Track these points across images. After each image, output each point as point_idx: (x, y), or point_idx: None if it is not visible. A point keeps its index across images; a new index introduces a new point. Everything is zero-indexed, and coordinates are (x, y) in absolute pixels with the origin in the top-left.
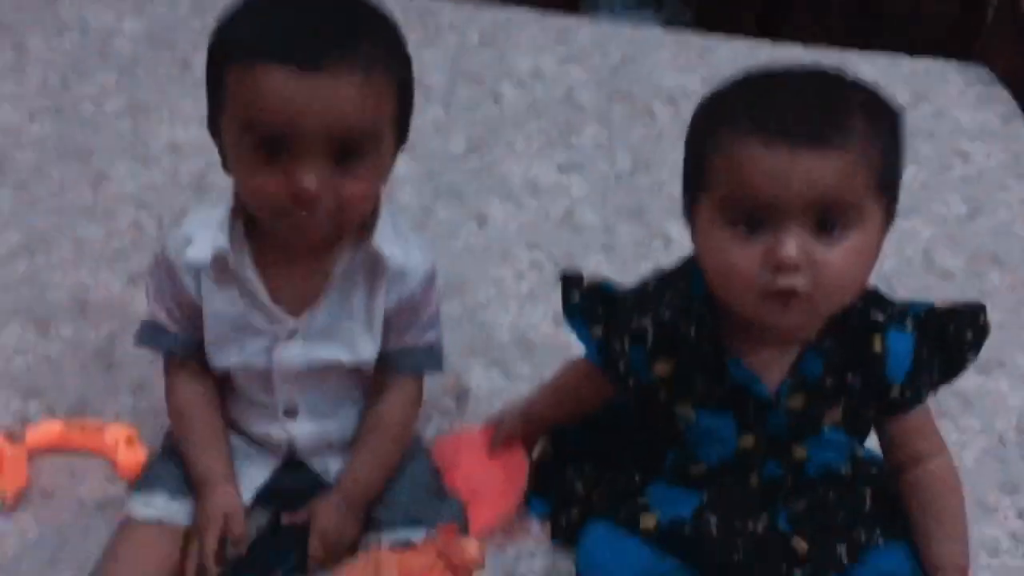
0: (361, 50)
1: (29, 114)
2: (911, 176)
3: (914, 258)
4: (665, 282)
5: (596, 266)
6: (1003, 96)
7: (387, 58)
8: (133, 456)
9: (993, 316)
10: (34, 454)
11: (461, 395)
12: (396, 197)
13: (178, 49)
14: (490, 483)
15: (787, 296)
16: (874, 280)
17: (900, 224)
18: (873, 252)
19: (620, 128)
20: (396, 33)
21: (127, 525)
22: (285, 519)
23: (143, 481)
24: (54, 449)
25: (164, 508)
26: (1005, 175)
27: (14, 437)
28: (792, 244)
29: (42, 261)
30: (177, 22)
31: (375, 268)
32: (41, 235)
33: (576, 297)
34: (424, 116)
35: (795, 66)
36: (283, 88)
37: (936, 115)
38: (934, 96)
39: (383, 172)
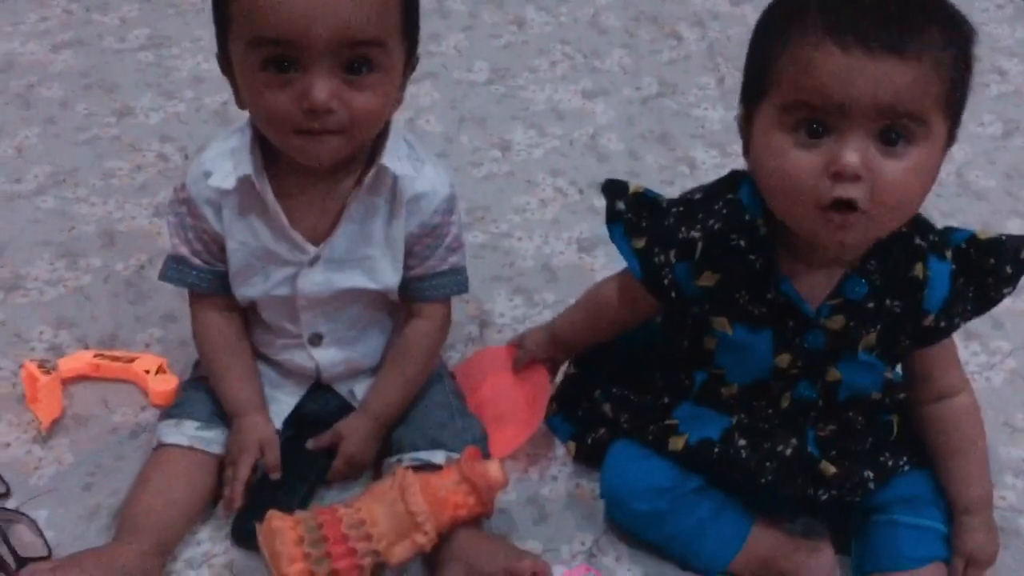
0: None
1: (52, 47)
2: None
3: (947, 179)
4: (712, 194)
5: None
6: None
7: None
8: (164, 384)
9: None
10: (67, 383)
11: (485, 322)
12: (419, 125)
13: None
14: (513, 405)
15: (844, 209)
16: None
17: None
18: (933, 171)
19: (646, 52)
20: None
21: (158, 451)
22: (311, 444)
23: (173, 409)
24: (87, 378)
25: (194, 435)
26: None
27: (47, 367)
28: (854, 152)
29: (70, 194)
30: None
31: (393, 194)
32: (69, 169)
33: (621, 205)
34: (447, 43)
35: None
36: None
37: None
38: (970, 11)
39: (393, 88)
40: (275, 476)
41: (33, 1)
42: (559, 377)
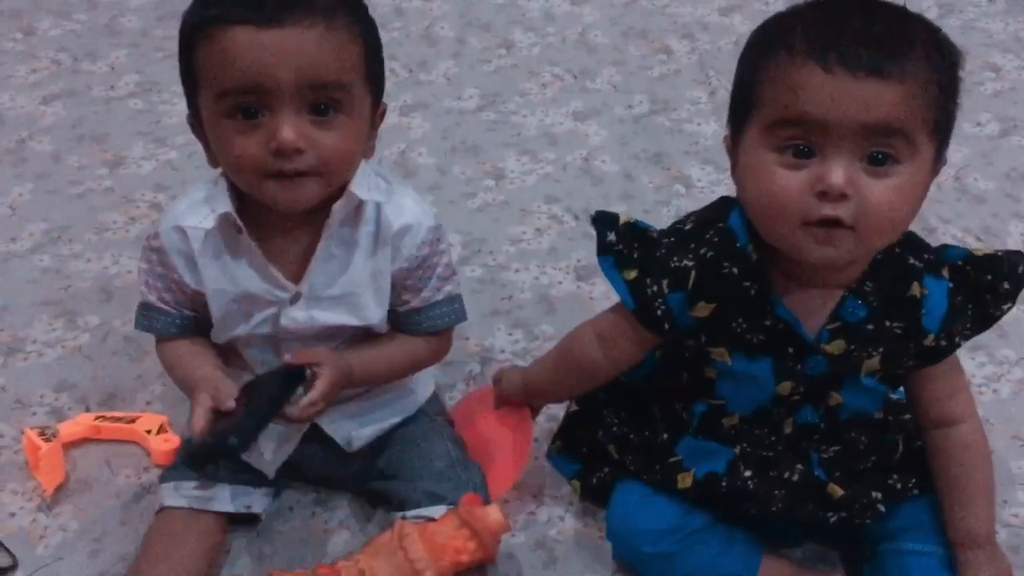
0: (319, 3)
1: (42, 99)
2: None
3: (945, 184)
4: (703, 222)
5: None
6: None
7: (347, 9)
8: (166, 444)
9: None
10: (69, 447)
11: (486, 359)
12: (412, 158)
13: None
14: (500, 447)
15: (830, 227)
16: None
17: None
18: (921, 191)
19: (636, 68)
20: (363, 7)
21: (160, 514)
22: (288, 357)
23: (171, 471)
24: (89, 440)
25: (192, 495)
26: None
27: (47, 433)
28: (841, 171)
29: (66, 251)
30: None
31: (377, 226)
32: (63, 225)
33: (612, 236)
34: (436, 71)
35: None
36: (249, 45)
37: (965, 28)
38: (962, 7)
39: (361, 132)
40: (228, 406)
41: (22, 53)
42: (562, 412)
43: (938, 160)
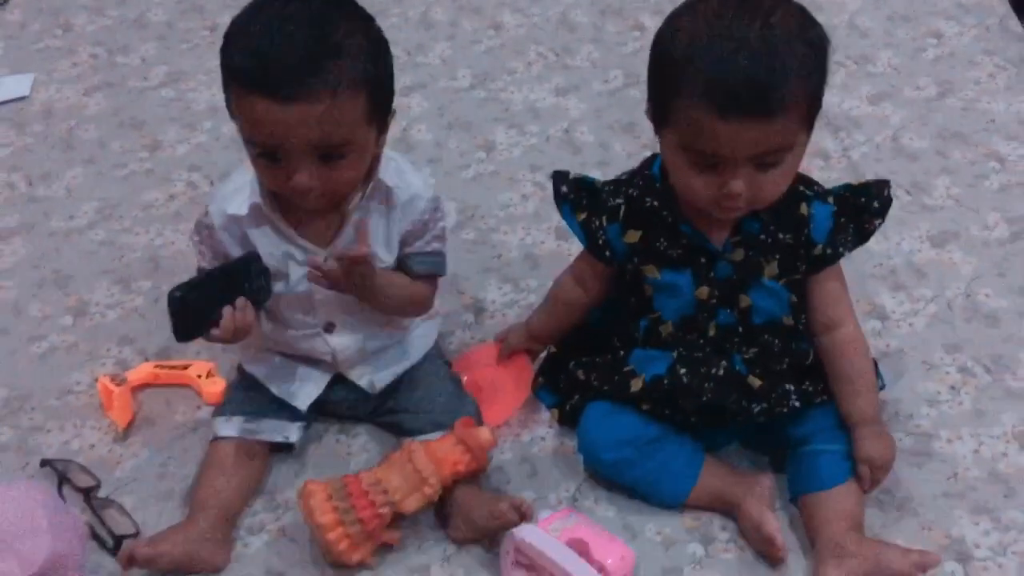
0: (329, 74)
1: (85, 90)
2: (885, 62)
3: (884, 143)
4: (633, 173)
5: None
6: None
7: (355, 71)
8: (214, 386)
9: (952, 191)
10: (136, 391)
11: (479, 309)
12: (412, 135)
13: (206, 13)
14: (502, 386)
15: (733, 206)
16: (845, 170)
17: (873, 111)
18: (798, 162)
19: (612, 45)
20: (368, 36)
21: (215, 443)
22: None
23: (224, 407)
24: (151, 385)
25: (243, 427)
26: (975, 51)
27: (118, 379)
28: (739, 182)
29: (117, 226)
30: None
31: (388, 198)
32: (113, 203)
33: (564, 188)
34: (432, 53)
35: (742, 8)
36: (267, 115)
37: None
38: None
39: (366, 158)
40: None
41: (62, 49)
42: (542, 356)
43: (812, 126)
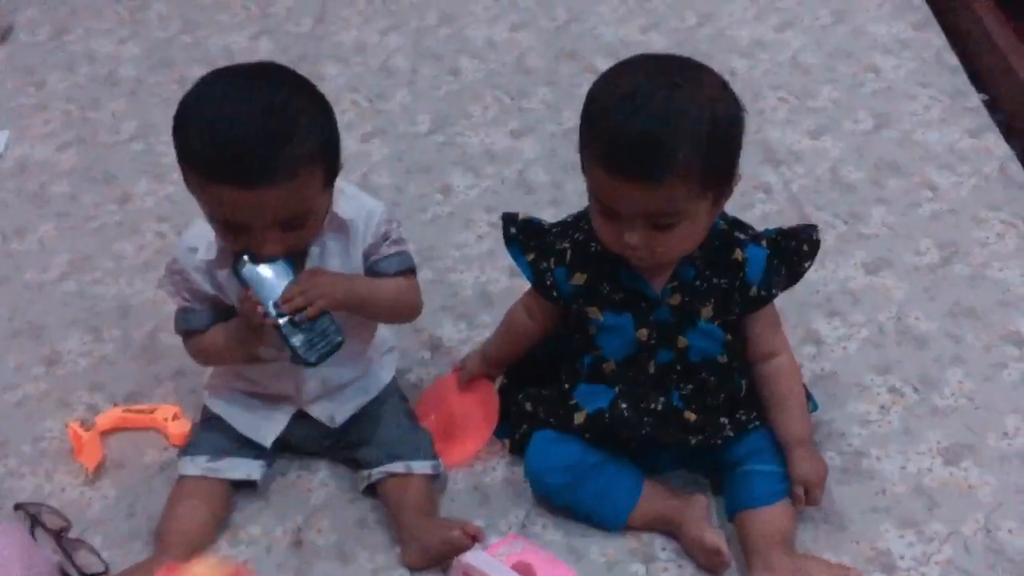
0: (287, 159)
1: (58, 147)
2: (826, 96)
3: (823, 175)
4: (579, 216)
5: (548, 219)
6: (918, 3)
7: (311, 147)
8: (180, 428)
9: (887, 220)
10: (104, 435)
11: (435, 346)
12: (372, 179)
13: (175, 67)
14: (471, 417)
15: (634, 255)
16: (786, 202)
17: (813, 144)
18: (702, 229)
19: (567, 87)
20: (317, 107)
21: (180, 481)
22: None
23: (188, 448)
24: (119, 429)
25: (206, 466)
26: (912, 85)
27: (87, 424)
28: (633, 236)
29: (88, 277)
30: (170, 40)
31: (342, 229)
32: (84, 256)
33: (513, 230)
34: (393, 100)
35: (650, 72)
36: (228, 201)
37: (854, 33)
38: (853, 14)
39: (323, 216)
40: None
41: (35, 106)
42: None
43: (722, 195)
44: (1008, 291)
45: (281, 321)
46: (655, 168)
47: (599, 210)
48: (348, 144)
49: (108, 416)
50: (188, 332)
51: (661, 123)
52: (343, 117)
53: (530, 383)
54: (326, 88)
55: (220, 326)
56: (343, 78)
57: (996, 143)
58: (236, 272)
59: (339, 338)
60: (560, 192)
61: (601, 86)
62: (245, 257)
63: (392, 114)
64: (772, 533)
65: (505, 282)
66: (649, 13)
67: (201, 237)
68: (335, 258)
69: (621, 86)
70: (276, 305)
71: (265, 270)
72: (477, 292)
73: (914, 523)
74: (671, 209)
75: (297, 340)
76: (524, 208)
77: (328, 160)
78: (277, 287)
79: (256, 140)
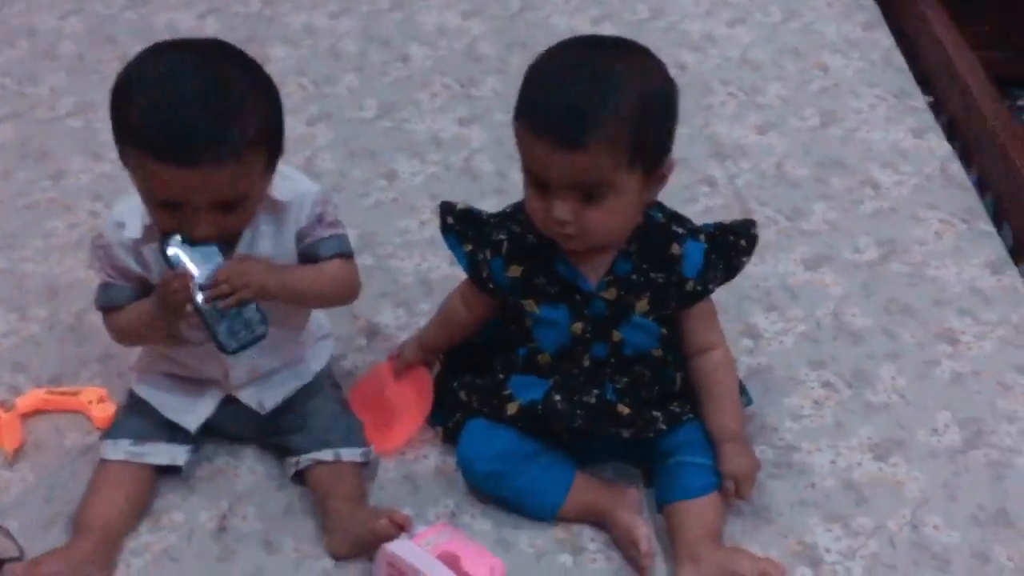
0: (233, 137)
1: None
2: (773, 94)
3: (768, 171)
4: (517, 207)
5: (491, 208)
6: (868, 3)
7: (255, 129)
8: (104, 411)
9: (828, 216)
10: (26, 417)
11: (372, 333)
12: (316, 163)
13: (118, 44)
14: (406, 403)
15: (566, 232)
16: (729, 197)
17: (759, 140)
18: (631, 207)
19: (516, 76)
20: (263, 88)
21: (101, 465)
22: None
23: (111, 430)
24: (41, 411)
25: (129, 450)
26: (859, 84)
27: (7, 405)
28: (562, 208)
29: (16, 255)
30: (114, 17)
31: (275, 209)
32: (13, 233)
33: (451, 220)
34: (340, 85)
35: (587, 46)
36: (168, 178)
37: (804, 31)
38: (804, 13)
39: (261, 198)
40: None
41: None
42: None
43: (651, 175)
44: (944, 290)
45: (204, 307)
46: (581, 131)
47: (530, 182)
48: (292, 127)
49: (30, 398)
50: (107, 308)
51: (590, 88)
52: (288, 100)
53: (468, 370)
54: (272, 70)
55: (137, 304)
56: (291, 60)
57: (938, 143)
58: (162, 252)
59: (263, 328)
60: (505, 181)
61: (540, 59)
62: (177, 237)
63: (339, 98)
64: (700, 525)
65: (446, 270)
66: (602, 4)
67: (130, 213)
68: (267, 241)
69: (557, 57)
70: (202, 289)
71: (193, 252)
72: (418, 279)
73: (841, 517)
74: (597, 178)
75: (218, 327)
76: (469, 196)
77: (272, 143)
78: (203, 271)
79: (202, 118)
